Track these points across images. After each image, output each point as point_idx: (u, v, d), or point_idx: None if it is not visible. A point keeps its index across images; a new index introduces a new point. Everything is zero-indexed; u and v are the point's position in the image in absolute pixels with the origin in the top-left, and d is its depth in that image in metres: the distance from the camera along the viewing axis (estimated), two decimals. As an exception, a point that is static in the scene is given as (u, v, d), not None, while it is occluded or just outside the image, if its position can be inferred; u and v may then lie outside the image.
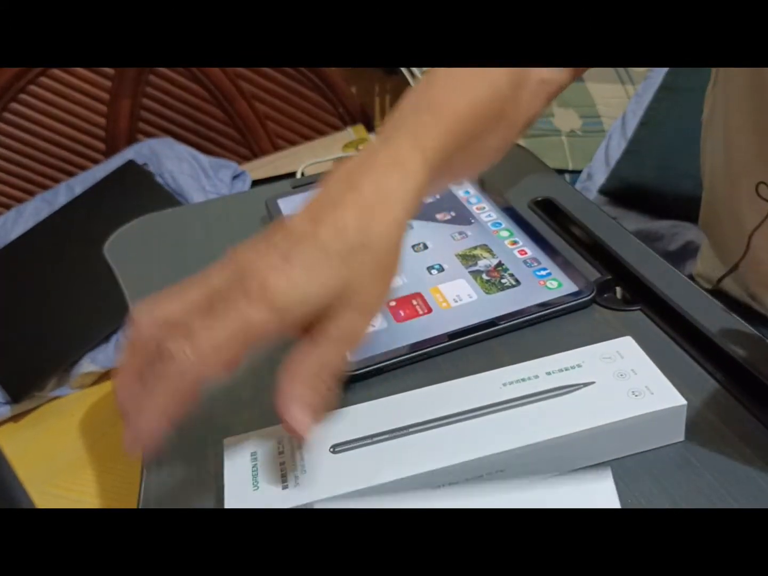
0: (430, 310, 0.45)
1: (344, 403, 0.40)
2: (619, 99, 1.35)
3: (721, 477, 0.33)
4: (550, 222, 0.53)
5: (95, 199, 1.50)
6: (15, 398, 1.28)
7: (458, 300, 0.45)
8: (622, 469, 0.34)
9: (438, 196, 0.56)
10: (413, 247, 0.51)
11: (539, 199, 0.56)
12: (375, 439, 0.34)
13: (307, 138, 1.76)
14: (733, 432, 0.35)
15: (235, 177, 1.60)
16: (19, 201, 1.62)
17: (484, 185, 0.57)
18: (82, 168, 1.65)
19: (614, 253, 0.48)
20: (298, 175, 1.54)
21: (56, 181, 1.64)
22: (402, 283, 0.47)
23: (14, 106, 1.57)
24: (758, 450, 0.34)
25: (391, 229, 0.32)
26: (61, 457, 1.21)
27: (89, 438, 1.24)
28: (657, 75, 1.22)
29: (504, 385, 0.36)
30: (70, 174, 1.65)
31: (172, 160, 1.55)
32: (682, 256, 0.91)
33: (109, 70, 1.60)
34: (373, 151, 0.35)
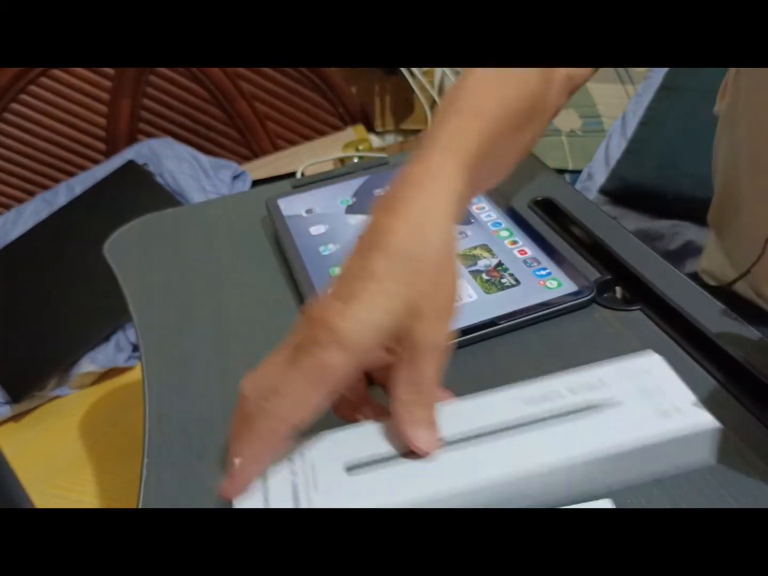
0: (430, 310, 0.45)
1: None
2: (619, 99, 1.35)
3: (721, 477, 0.33)
4: (550, 222, 0.53)
5: (95, 199, 1.50)
6: (15, 398, 1.28)
7: (458, 300, 0.45)
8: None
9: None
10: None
11: (539, 199, 0.56)
12: (391, 458, 0.32)
13: (307, 138, 1.76)
14: (733, 432, 0.35)
15: (236, 177, 1.60)
16: (20, 201, 1.62)
17: (484, 185, 0.57)
18: (82, 168, 1.65)
19: (614, 253, 0.48)
20: (298, 175, 1.54)
21: (56, 181, 1.64)
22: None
23: (14, 106, 1.57)
24: (758, 450, 0.34)
25: (437, 237, 0.33)
26: (61, 457, 1.21)
27: (89, 438, 1.24)
28: (657, 75, 1.22)
29: (525, 402, 0.34)
30: (71, 174, 1.65)
31: (172, 160, 1.55)
32: (682, 255, 0.91)
33: (110, 71, 1.60)
34: (408, 168, 0.35)
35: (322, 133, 1.76)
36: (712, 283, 0.63)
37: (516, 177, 0.60)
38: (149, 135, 1.68)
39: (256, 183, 1.60)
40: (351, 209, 0.56)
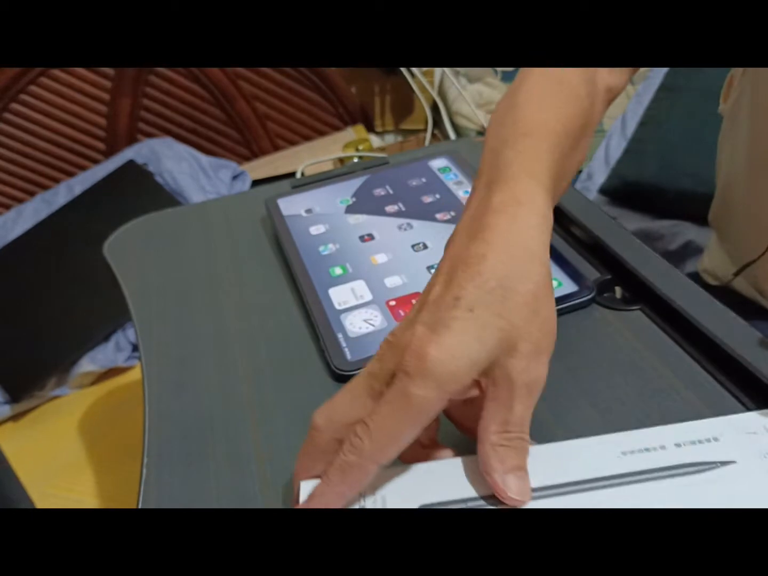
0: (430, 310, 0.45)
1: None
2: (619, 99, 1.35)
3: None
4: (550, 222, 0.53)
5: (95, 199, 1.50)
6: (15, 398, 1.28)
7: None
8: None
9: (438, 196, 0.56)
10: (413, 246, 0.51)
11: (539, 198, 0.56)
12: (469, 504, 0.30)
13: (306, 138, 1.76)
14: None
15: (235, 177, 1.61)
16: (20, 201, 1.62)
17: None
18: (82, 168, 1.66)
19: (614, 253, 0.48)
20: (298, 175, 1.54)
21: (56, 181, 1.64)
22: (402, 283, 0.47)
23: (14, 106, 1.57)
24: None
25: (533, 268, 0.31)
26: (61, 457, 1.21)
27: (89, 438, 1.24)
28: (657, 75, 1.22)
29: (623, 453, 0.30)
30: (70, 174, 1.65)
31: (171, 160, 1.55)
32: (682, 255, 0.91)
33: (109, 71, 1.60)
34: (484, 198, 0.33)
35: (321, 133, 1.76)
36: (713, 282, 0.63)
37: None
38: (149, 135, 1.68)
39: (255, 183, 1.61)
40: (351, 209, 0.57)
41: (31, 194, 1.63)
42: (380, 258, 0.50)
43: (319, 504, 0.30)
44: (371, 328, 0.44)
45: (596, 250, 0.49)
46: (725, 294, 0.43)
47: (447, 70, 1.60)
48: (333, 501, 0.30)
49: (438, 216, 0.54)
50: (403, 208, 0.55)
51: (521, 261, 0.31)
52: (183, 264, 0.56)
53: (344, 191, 0.59)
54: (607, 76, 0.43)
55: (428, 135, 1.70)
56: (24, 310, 1.37)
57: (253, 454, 0.38)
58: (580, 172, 1.26)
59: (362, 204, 0.57)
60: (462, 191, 0.57)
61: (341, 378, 0.41)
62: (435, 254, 0.50)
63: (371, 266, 0.50)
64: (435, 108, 1.69)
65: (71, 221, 1.47)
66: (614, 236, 0.50)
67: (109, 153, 1.66)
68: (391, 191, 0.58)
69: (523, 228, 0.32)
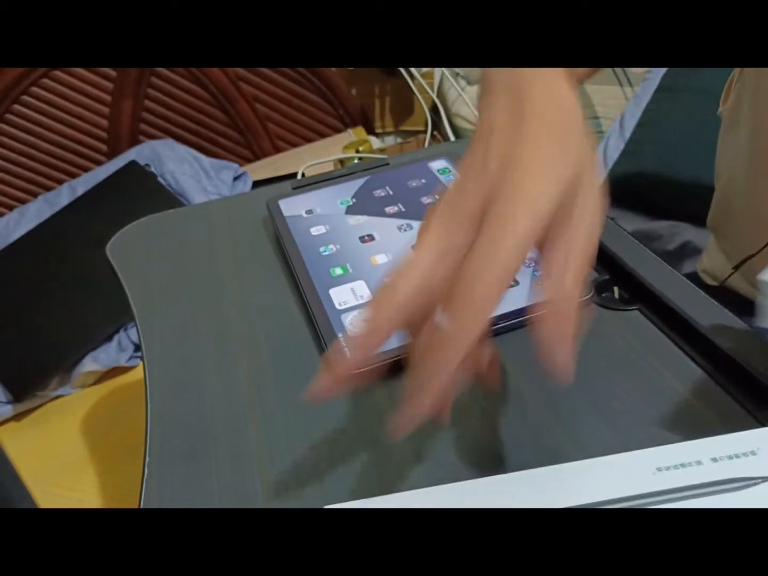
0: (429, 310, 0.45)
1: (347, 404, 0.41)
2: (616, 100, 1.35)
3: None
4: (549, 223, 0.53)
5: (97, 200, 1.50)
6: (17, 398, 1.28)
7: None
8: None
9: (438, 196, 0.56)
10: (413, 247, 0.51)
11: (538, 199, 0.56)
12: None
13: (307, 139, 1.76)
14: (732, 432, 0.35)
15: (236, 178, 1.61)
16: (22, 202, 1.63)
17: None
18: (85, 169, 1.66)
19: (612, 253, 0.48)
20: (299, 176, 1.54)
21: (58, 182, 1.65)
22: (402, 284, 0.48)
23: (17, 107, 1.57)
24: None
25: (574, 106, 0.30)
26: (64, 457, 1.22)
27: (91, 437, 1.25)
28: (655, 77, 1.22)
29: (658, 469, 0.29)
30: (73, 175, 1.65)
31: (173, 161, 1.55)
32: (680, 255, 0.91)
33: (111, 72, 1.61)
34: (503, 79, 0.32)
35: (322, 135, 1.76)
36: (711, 282, 0.63)
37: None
38: (151, 136, 1.68)
39: (256, 184, 1.61)
40: (351, 210, 0.57)
41: (34, 195, 1.63)
42: (380, 258, 0.51)
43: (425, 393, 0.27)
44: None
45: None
46: (723, 294, 0.43)
47: (446, 71, 1.61)
48: (436, 388, 0.27)
49: (438, 217, 0.54)
50: (403, 209, 0.56)
51: (564, 102, 0.31)
52: (185, 264, 0.56)
53: (345, 192, 0.59)
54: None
55: (428, 136, 1.70)
56: (26, 310, 1.37)
57: (254, 453, 0.38)
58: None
59: (362, 205, 0.57)
60: (462, 192, 0.57)
61: (341, 378, 0.41)
62: (435, 255, 0.50)
63: (371, 267, 0.50)
64: (435, 110, 1.69)
65: (74, 222, 1.48)
66: (612, 236, 0.50)
67: (111, 154, 1.66)
68: (391, 192, 0.58)
69: (550, 80, 0.31)
